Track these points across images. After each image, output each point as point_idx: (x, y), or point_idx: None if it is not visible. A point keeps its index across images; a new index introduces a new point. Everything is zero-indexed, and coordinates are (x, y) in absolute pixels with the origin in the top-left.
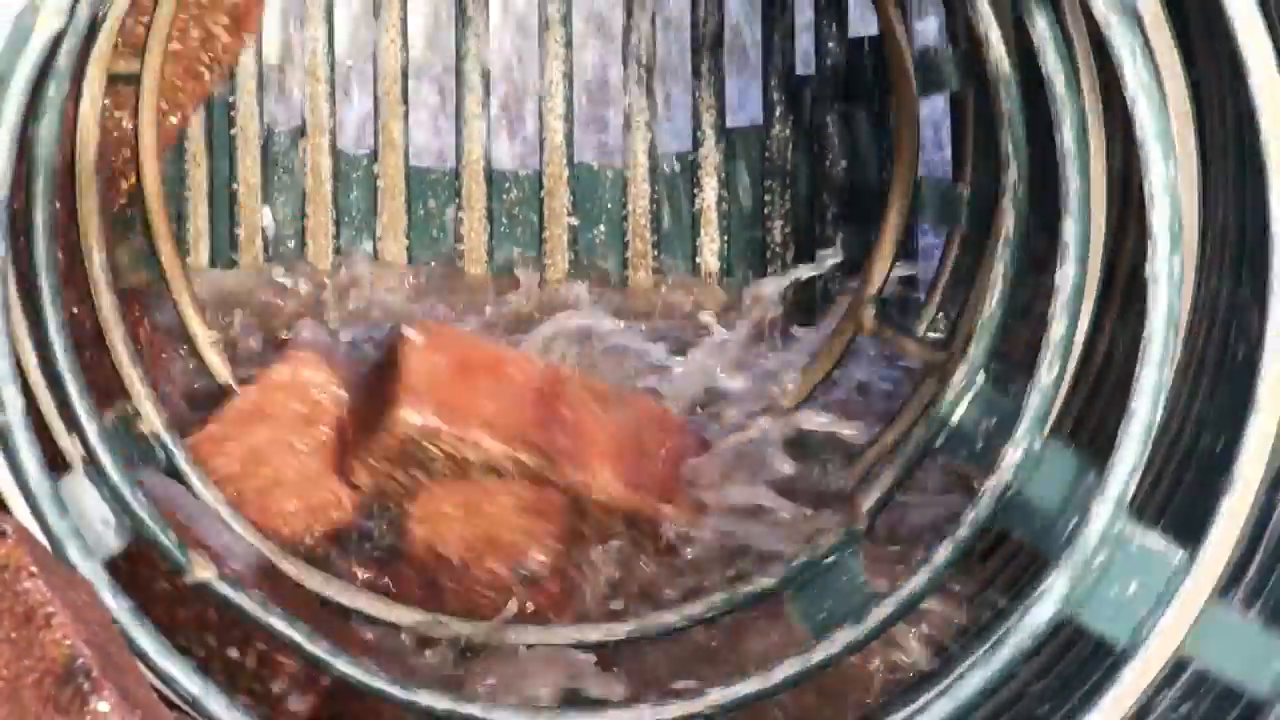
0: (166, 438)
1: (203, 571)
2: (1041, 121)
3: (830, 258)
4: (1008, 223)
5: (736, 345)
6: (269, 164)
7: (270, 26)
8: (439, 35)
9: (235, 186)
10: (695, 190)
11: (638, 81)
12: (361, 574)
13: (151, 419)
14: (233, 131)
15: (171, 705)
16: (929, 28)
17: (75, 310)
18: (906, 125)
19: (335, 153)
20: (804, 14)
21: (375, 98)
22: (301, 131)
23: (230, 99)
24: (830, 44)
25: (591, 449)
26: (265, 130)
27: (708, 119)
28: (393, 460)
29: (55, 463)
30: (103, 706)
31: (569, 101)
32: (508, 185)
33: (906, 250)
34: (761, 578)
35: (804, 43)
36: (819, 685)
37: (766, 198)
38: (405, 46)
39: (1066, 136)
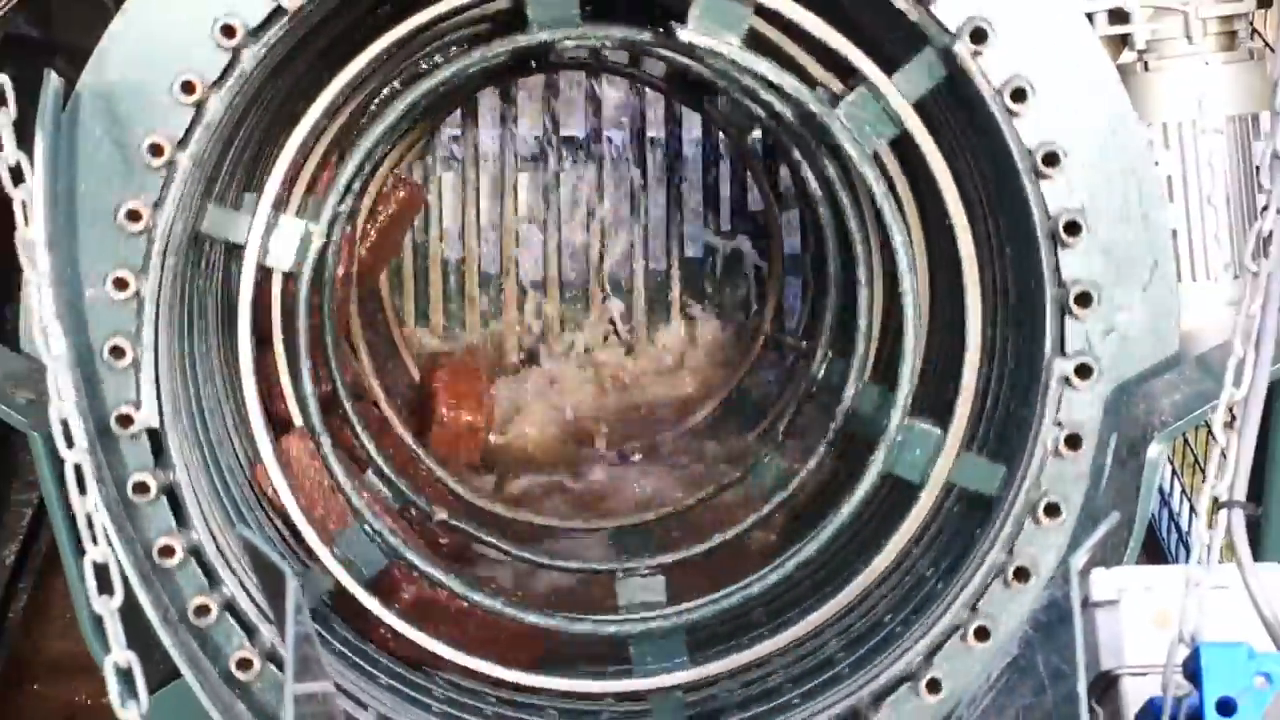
0: None
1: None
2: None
3: None
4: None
5: None
6: (446, 280)
7: (447, 207)
8: (535, 203)
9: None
10: (667, 291)
11: (639, 236)
12: None
13: None
14: (425, 262)
15: None
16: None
17: None
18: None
19: (480, 273)
20: (725, 191)
21: (500, 241)
22: (461, 261)
23: (426, 245)
24: (742, 208)
25: None
26: (443, 262)
27: (675, 253)
28: None
29: None
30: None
31: (601, 242)
32: (569, 288)
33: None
34: None
35: (726, 209)
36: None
37: (704, 297)
38: (516, 213)
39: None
